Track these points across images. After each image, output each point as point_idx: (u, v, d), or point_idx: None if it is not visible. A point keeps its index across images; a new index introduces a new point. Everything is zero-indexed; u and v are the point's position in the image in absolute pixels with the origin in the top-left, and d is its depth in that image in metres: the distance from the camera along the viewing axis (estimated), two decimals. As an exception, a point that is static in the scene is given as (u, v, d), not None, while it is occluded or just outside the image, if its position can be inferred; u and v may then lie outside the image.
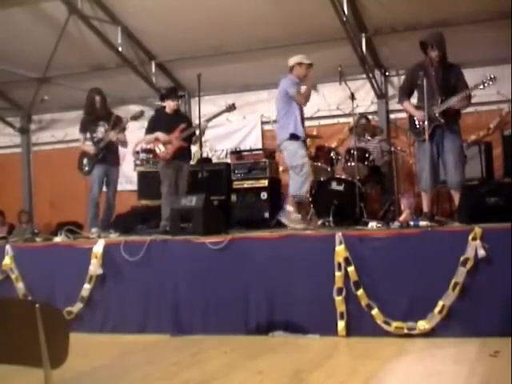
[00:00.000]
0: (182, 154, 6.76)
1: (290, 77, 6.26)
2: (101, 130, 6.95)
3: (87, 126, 7.02)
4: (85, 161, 7.00)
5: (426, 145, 5.60)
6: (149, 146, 6.86)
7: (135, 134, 7.87)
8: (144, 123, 7.27)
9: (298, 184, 6.13)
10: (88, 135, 6.99)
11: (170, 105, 6.87)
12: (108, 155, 6.95)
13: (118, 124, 6.88)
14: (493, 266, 4.70)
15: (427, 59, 5.78)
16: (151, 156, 6.95)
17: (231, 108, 6.74)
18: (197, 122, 6.75)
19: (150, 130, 6.84)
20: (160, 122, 6.85)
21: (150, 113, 7.57)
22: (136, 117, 7.01)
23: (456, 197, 5.73)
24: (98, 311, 5.87)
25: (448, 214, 6.67)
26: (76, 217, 7.96)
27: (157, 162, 7.18)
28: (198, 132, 6.79)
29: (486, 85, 5.57)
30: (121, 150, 7.27)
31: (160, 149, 6.73)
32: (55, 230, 7.60)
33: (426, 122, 5.55)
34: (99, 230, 6.79)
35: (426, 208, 5.83)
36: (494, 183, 6.70)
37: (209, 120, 6.86)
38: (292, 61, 6.27)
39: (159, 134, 6.74)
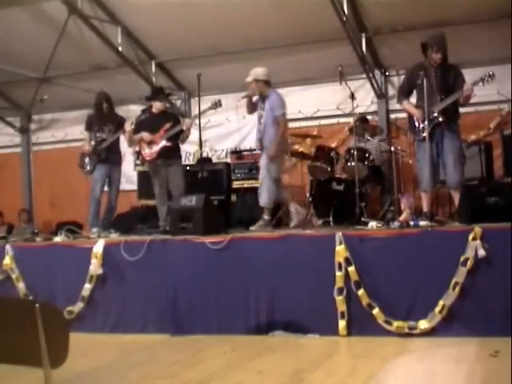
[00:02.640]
0: (169, 153, 6.68)
1: None
2: (106, 131, 6.95)
3: (93, 124, 7.02)
4: (86, 160, 6.98)
5: (425, 144, 5.59)
6: (136, 148, 6.83)
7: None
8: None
9: None
10: (93, 134, 6.98)
11: (156, 105, 6.83)
12: (110, 155, 6.95)
13: (122, 125, 6.85)
14: (493, 266, 4.70)
15: (427, 59, 5.78)
16: (138, 157, 6.92)
17: (217, 105, 6.67)
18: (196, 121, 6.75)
19: (136, 130, 6.78)
20: (145, 123, 6.81)
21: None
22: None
23: (456, 197, 5.72)
24: (99, 311, 5.87)
25: (448, 214, 6.67)
26: (76, 216, 7.96)
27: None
28: (186, 130, 6.74)
29: (485, 81, 5.56)
30: (121, 149, 7.26)
31: (145, 149, 6.72)
32: (55, 229, 7.61)
33: (425, 121, 5.55)
34: (99, 229, 6.78)
35: (425, 208, 5.83)
36: (494, 183, 6.69)
37: (194, 117, 6.76)
38: None
39: (143, 134, 6.71)
